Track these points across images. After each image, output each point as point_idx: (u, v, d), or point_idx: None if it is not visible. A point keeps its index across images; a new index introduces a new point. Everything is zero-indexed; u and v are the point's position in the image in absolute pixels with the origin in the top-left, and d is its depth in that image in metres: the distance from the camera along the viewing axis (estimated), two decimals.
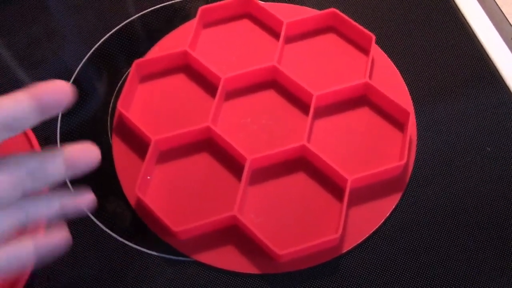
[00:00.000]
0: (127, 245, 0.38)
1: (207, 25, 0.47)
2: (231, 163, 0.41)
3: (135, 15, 0.49)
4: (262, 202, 0.39)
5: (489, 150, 0.42)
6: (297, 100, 0.43)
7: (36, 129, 0.42)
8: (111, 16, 0.49)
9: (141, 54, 0.47)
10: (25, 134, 0.41)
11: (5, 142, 0.40)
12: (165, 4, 0.50)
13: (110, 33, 0.48)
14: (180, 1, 0.50)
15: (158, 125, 0.42)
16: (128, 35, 0.48)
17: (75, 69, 0.46)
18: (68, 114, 0.44)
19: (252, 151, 0.40)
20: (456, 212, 0.40)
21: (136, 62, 0.44)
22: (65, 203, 0.27)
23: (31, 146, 0.40)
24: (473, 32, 0.48)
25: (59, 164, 0.25)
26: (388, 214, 0.39)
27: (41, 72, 0.46)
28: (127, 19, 0.49)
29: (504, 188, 0.40)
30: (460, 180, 0.41)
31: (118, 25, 0.49)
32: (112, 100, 0.44)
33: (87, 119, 0.44)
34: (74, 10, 0.50)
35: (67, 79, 0.45)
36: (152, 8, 0.50)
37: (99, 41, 0.48)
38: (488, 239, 0.39)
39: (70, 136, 0.43)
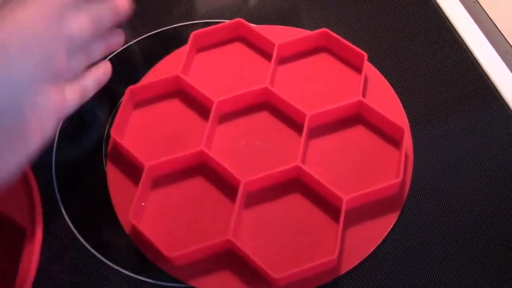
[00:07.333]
0: (123, 272, 0.38)
1: (200, 49, 0.48)
2: (226, 186, 0.40)
3: (131, 41, 0.50)
4: (257, 225, 0.39)
5: (487, 165, 0.42)
6: (290, 120, 0.43)
7: None
8: None
9: (136, 79, 0.47)
10: None
11: None
12: (160, 30, 0.50)
13: (107, 59, 0.48)
14: (174, 27, 0.51)
15: (152, 151, 0.42)
16: (124, 61, 0.48)
17: None
18: (64, 141, 0.44)
19: (246, 173, 0.40)
20: (455, 229, 0.39)
21: (130, 88, 0.44)
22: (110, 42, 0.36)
23: (25, 173, 0.40)
24: (467, 46, 0.48)
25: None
26: (386, 233, 0.39)
27: None
28: (123, 45, 0.49)
29: (504, 204, 0.40)
30: (458, 196, 0.40)
31: (114, 51, 0.49)
32: (107, 127, 0.45)
33: (83, 146, 0.44)
34: None
35: None
36: (148, 34, 0.50)
37: None
38: (488, 256, 0.38)
39: (65, 164, 0.43)
